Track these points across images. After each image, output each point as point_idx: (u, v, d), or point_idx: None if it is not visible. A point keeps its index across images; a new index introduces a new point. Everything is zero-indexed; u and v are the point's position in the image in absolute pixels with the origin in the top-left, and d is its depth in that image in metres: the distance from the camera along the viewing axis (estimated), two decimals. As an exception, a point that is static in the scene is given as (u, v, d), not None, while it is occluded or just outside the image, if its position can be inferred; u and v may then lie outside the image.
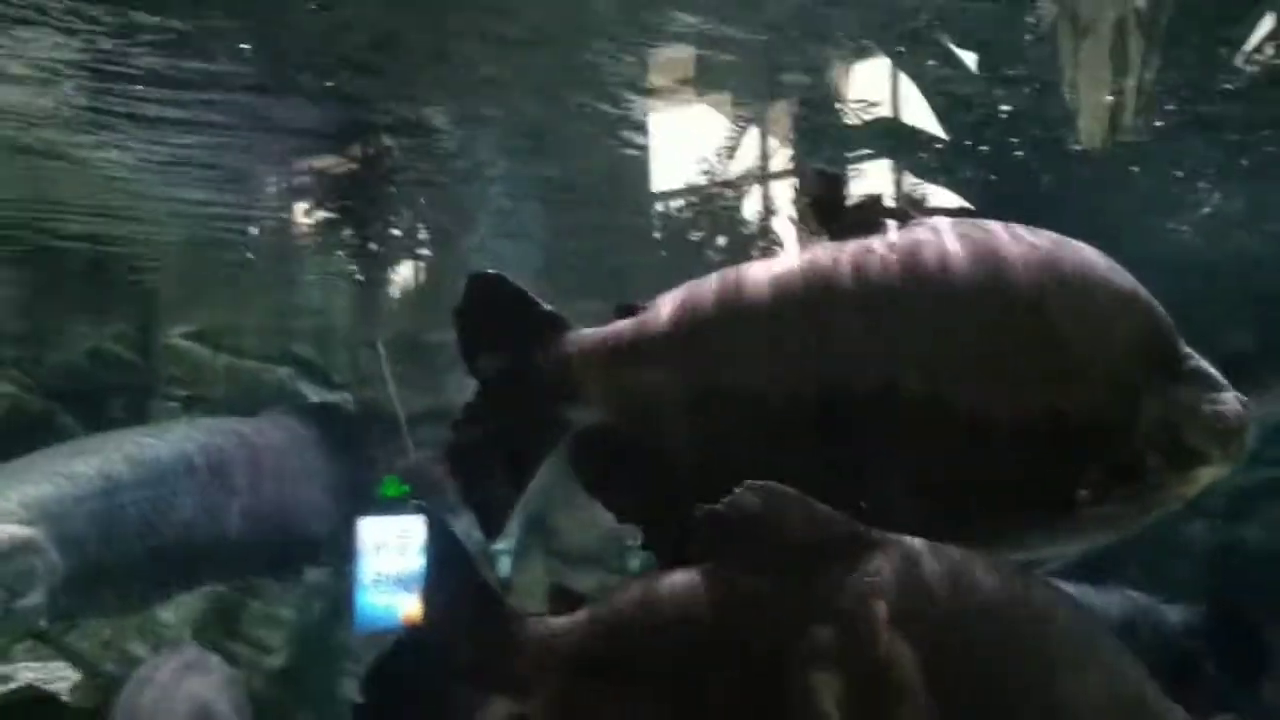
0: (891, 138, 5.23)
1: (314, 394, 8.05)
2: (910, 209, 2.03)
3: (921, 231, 1.97)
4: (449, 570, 2.13)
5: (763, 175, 5.71)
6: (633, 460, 2.04)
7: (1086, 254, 1.97)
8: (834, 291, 1.93)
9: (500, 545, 7.81)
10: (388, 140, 5.63)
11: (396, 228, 7.30)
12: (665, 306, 2.07)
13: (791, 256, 2.00)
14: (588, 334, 2.12)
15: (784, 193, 5.79)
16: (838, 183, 2.07)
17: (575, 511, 8.36)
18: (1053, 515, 1.93)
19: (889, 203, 2.03)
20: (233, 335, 7.76)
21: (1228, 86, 4.87)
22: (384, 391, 8.38)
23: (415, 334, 8.47)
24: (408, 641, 2.12)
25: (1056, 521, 1.94)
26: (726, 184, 5.78)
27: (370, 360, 8.46)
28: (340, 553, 7.75)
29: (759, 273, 2.01)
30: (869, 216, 2.01)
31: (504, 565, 8.01)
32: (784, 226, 5.83)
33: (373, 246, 7.45)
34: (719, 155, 5.65)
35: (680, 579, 2.02)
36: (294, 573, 7.57)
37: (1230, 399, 1.95)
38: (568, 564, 8.23)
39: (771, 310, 1.97)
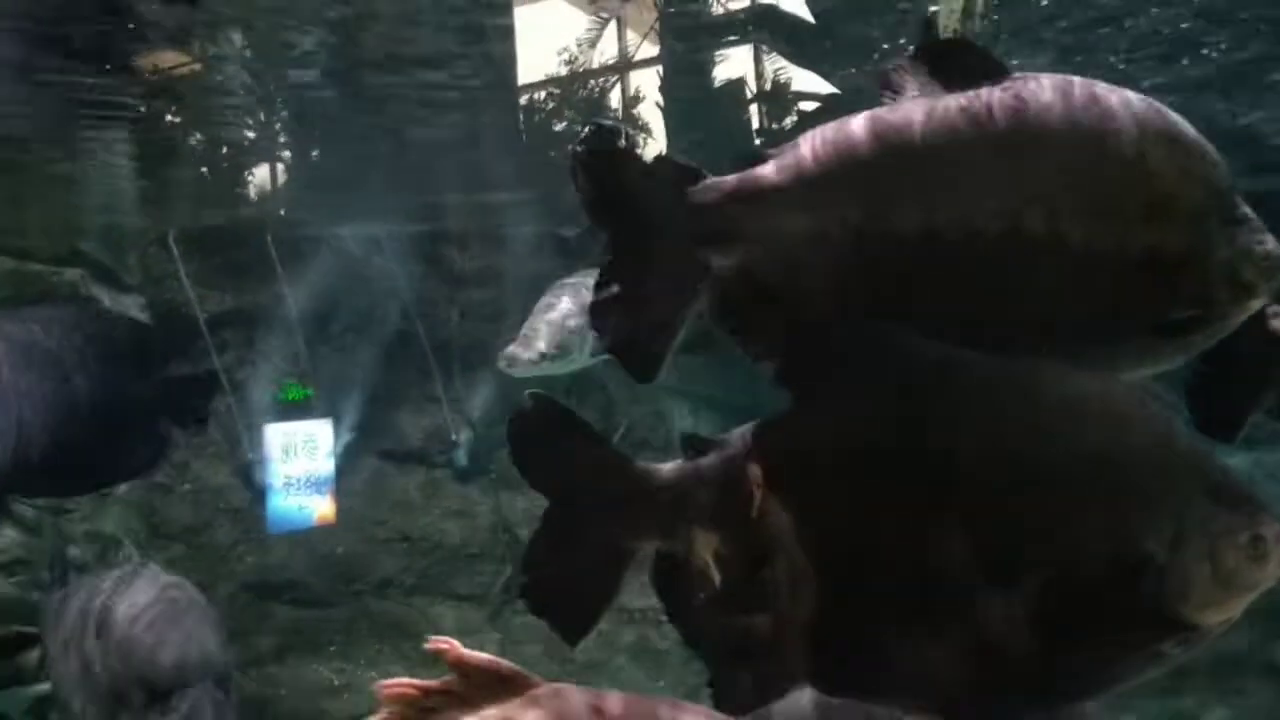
0: (761, 22, 5.34)
1: (108, 297, 7.42)
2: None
3: (1030, 84, 2.11)
4: (571, 440, 2.17)
5: (626, 64, 5.70)
6: (773, 301, 2.10)
7: (1163, 107, 2.18)
8: (976, 134, 2.05)
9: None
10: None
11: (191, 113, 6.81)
12: (806, 149, 2.11)
13: (926, 104, 2.09)
14: (726, 180, 2.13)
15: (649, 80, 5.81)
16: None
17: (401, 413, 8.24)
18: (1145, 340, 2.16)
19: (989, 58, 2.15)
20: (16, 236, 7.00)
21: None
22: (181, 293, 7.86)
23: (215, 230, 7.97)
24: (553, 514, 2.14)
25: (1147, 346, 2.17)
26: (590, 74, 5.73)
27: (163, 260, 7.90)
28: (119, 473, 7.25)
29: (899, 117, 2.09)
30: (980, 69, 2.12)
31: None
32: (651, 113, 5.86)
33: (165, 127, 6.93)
34: (580, 46, 5.60)
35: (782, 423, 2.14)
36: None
37: (1271, 240, 2.23)
38: (394, 463, 8.14)
39: (920, 153, 2.06)
